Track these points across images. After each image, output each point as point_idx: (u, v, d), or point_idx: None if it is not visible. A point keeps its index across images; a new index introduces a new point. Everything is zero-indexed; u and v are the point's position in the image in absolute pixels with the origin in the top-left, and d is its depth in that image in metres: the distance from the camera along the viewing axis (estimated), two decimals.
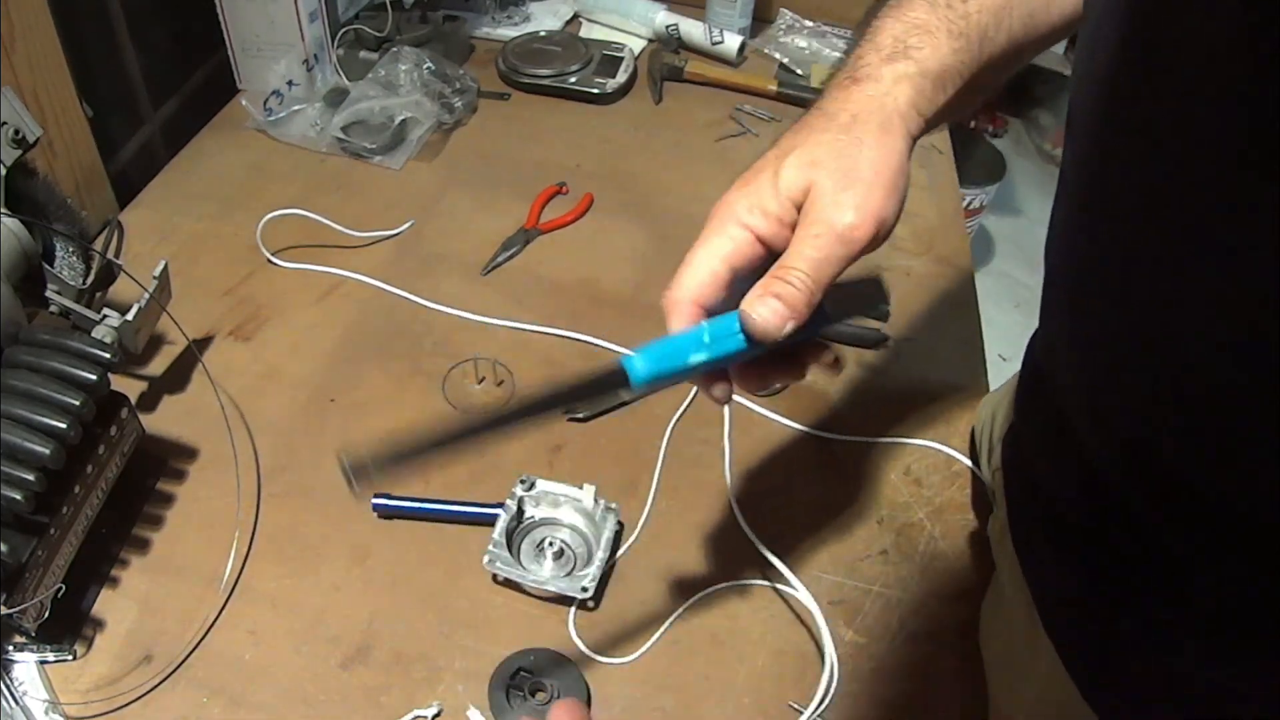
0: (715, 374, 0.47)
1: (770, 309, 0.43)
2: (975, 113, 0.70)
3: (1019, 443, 0.61)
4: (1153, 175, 0.38)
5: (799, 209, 0.45)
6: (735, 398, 0.59)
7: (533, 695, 0.60)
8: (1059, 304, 0.51)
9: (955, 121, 0.56)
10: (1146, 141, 0.38)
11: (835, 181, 0.44)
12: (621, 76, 1.15)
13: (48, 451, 0.54)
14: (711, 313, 0.46)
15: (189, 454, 0.74)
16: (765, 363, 0.47)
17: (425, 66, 1.07)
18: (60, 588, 0.59)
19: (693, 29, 1.22)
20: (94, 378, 0.58)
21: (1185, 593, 0.45)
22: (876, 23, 0.50)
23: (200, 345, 0.83)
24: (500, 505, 0.68)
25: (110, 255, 0.70)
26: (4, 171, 0.64)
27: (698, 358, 0.44)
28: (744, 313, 0.44)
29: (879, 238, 0.44)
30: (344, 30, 1.13)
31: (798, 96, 1.15)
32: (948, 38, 0.48)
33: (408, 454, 0.42)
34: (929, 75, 0.48)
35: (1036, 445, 0.57)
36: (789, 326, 0.43)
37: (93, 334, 0.65)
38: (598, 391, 0.43)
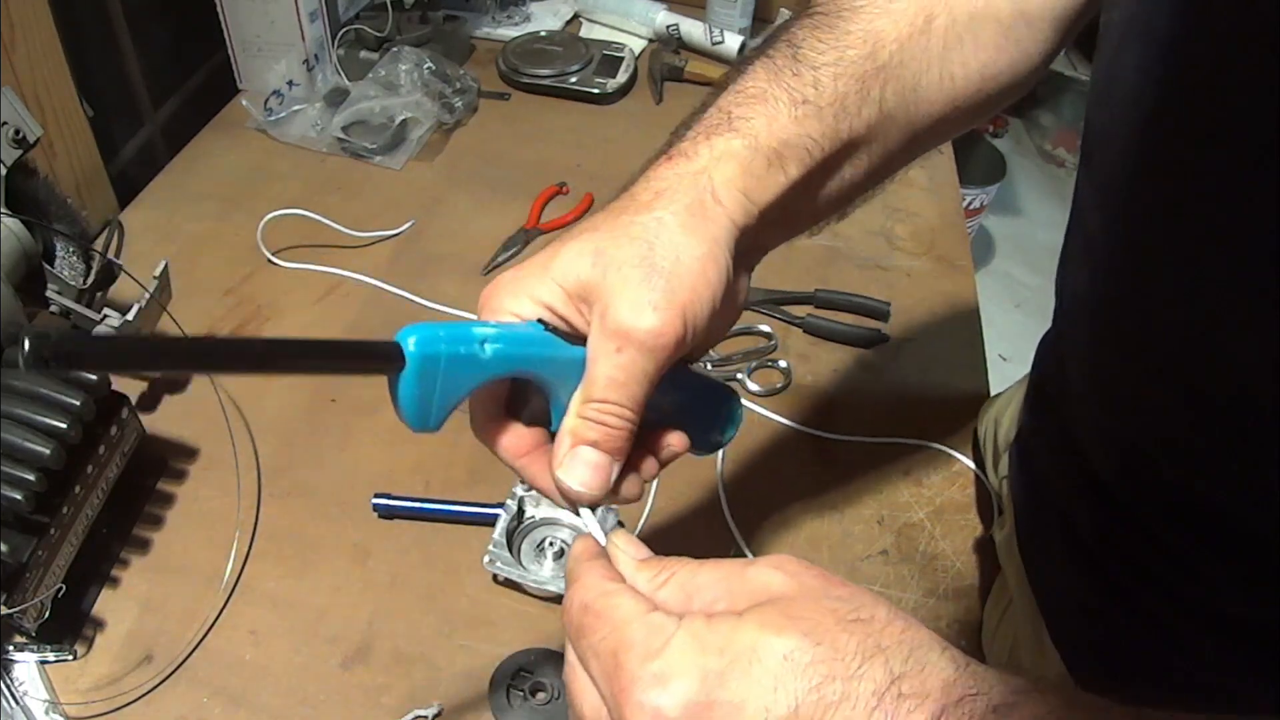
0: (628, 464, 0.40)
1: (587, 468, 0.37)
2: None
3: (1027, 452, 0.60)
4: (1187, 210, 0.38)
5: (582, 303, 0.38)
6: (744, 403, 0.58)
7: (533, 695, 0.60)
8: (1075, 325, 0.50)
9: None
10: (1182, 175, 0.37)
11: (627, 276, 0.36)
12: (622, 76, 1.15)
13: (48, 451, 0.54)
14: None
15: (189, 454, 0.74)
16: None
17: (425, 66, 1.07)
18: (60, 588, 0.59)
19: (693, 29, 1.22)
20: (94, 378, 0.58)
21: (1194, 602, 0.45)
22: (709, 99, 0.43)
23: None
24: (500, 505, 0.68)
25: (110, 255, 0.70)
26: (4, 171, 0.64)
27: (492, 346, 0.37)
28: (559, 481, 0.37)
29: (686, 340, 0.37)
30: (344, 30, 1.12)
31: None
32: (788, 106, 0.41)
33: (99, 350, 0.31)
34: (760, 151, 0.40)
35: (1046, 456, 0.56)
36: (614, 473, 0.38)
37: (93, 334, 0.65)
38: (363, 360, 0.35)
